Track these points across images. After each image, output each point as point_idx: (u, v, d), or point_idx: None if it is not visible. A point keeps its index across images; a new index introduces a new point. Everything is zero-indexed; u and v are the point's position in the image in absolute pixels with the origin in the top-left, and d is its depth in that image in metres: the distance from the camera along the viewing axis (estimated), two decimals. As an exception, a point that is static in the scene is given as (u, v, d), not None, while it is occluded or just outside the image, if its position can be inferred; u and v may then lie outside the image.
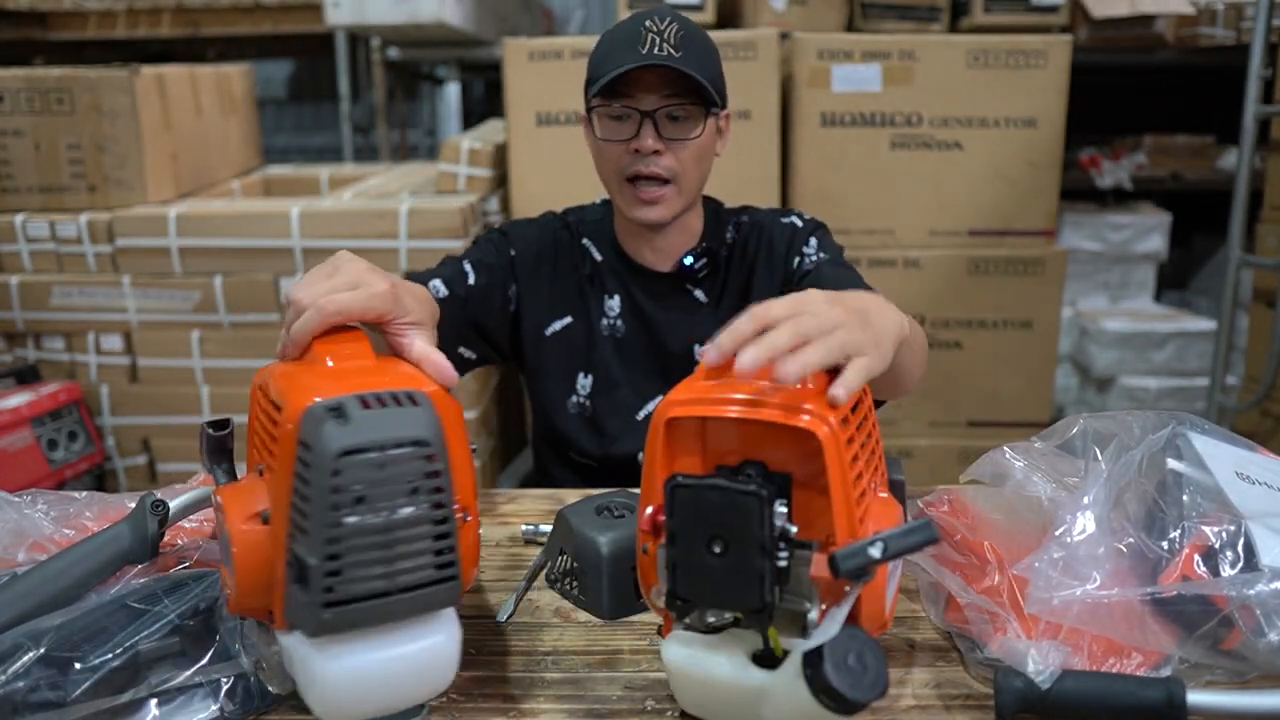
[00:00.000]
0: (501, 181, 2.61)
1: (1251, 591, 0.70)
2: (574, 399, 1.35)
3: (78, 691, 0.63)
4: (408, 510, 0.60)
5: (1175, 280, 4.00)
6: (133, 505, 0.80)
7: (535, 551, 0.96)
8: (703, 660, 0.65)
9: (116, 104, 2.34)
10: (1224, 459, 0.82)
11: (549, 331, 1.34)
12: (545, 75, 2.41)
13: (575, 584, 0.86)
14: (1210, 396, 2.57)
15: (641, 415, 1.34)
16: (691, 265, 1.30)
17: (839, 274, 1.24)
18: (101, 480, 2.42)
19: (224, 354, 2.36)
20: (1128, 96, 3.89)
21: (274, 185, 3.07)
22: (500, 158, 2.57)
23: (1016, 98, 2.39)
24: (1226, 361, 2.55)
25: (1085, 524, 0.74)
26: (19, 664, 0.63)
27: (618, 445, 1.33)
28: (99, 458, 2.38)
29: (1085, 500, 0.76)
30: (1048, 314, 2.47)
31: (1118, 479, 0.78)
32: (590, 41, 2.42)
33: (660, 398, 1.25)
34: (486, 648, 0.78)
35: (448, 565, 0.62)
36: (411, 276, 1.25)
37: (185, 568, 0.78)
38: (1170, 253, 3.44)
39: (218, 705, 0.68)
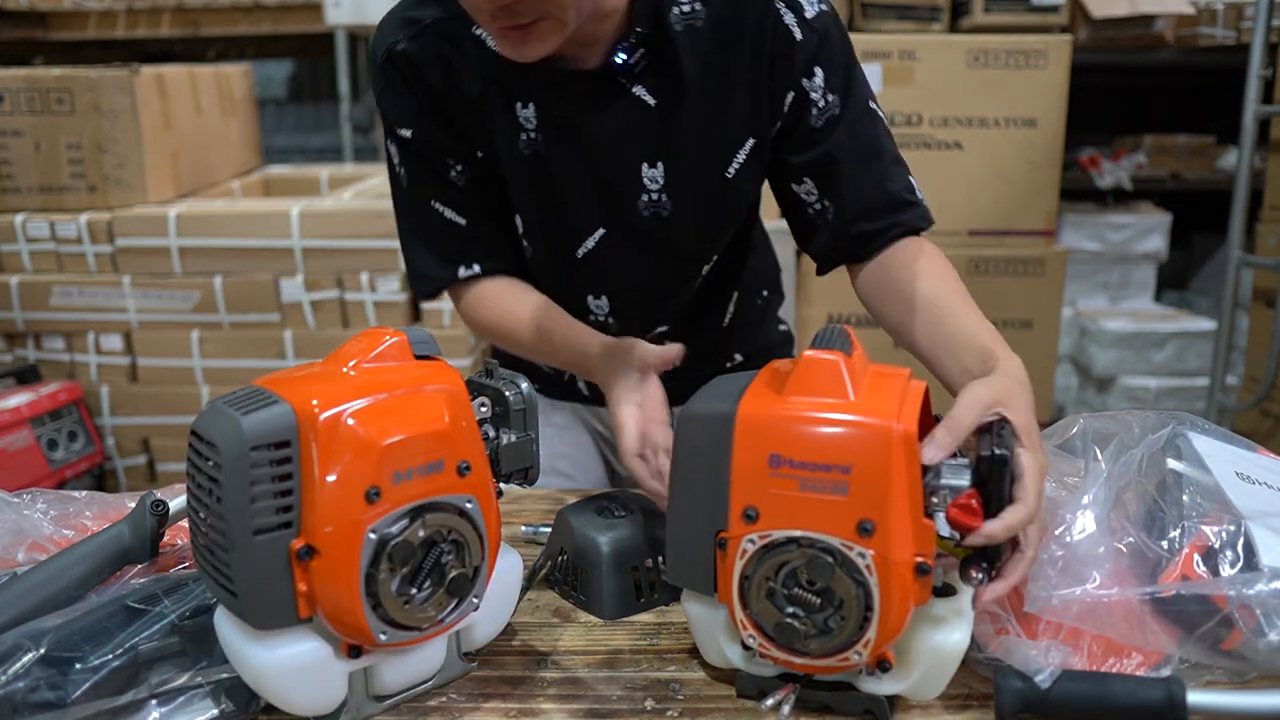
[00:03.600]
0: (501, 181, 2.61)
1: (1251, 591, 0.70)
2: (520, 234, 1.08)
3: (78, 692, 0.63)
4: (210, 504, 0.63)
5: (1175, 280, 4.00)
6: (132, 505, 0.80)
7: (535, 551, 0.96)
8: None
9: (116, 104, 2.34)
10: (1224, 459, 0.82)
11: (479, 170, 1.04)
12: (545, 75, 2.41)
13: (575, 584, 0.86)
14: (1210, 396, 2.57)
15: (581, 253, 1.05)
16: (626, 62, 0.95)
17: (857, 143, 0.97)
18: (101, 480, 2.42)
19: (224, 354, 2.36)
20: (1128, 96, 3.89)
21: (274, 185, 3.07)
22: (500, 158, 2.57)
23: (1016, 98, 2.39)
24: (1226, 361, 2.55)
25: (1085, 523, 0.74)
26: (19, 664, 0.63)
27: (558, 287, 1.08)
28: (99, 458, 2.38)
29: (1085, 500, 0.76)
30: (1048, 314, 2.47)
31: (1118, 479, 0.78)
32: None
33: (602, 231, 1.03)
34: (487, 647, 0.78)
35: (227, 581, 0.63)
36: (421, 275, 1.06)
37: (185, 568, 0.78)
38: (1170, 253, 3.43)
39: (218, 706, 0.68)
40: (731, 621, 0.68)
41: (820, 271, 1.04)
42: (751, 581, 0.66)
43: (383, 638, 0.65)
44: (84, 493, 0.89)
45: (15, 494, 0.86)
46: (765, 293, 1.22)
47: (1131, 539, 0.76)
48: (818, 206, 0.99)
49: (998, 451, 0.64)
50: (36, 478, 2.16)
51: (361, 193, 2.61)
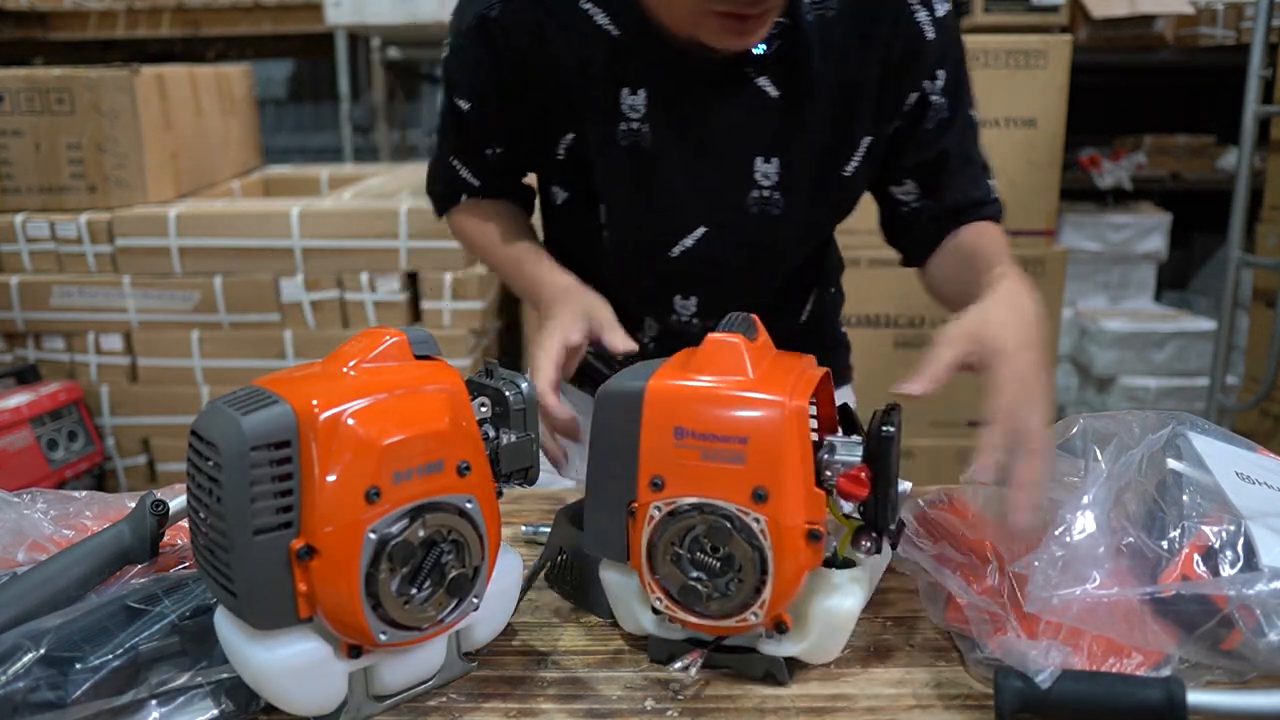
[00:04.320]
0: (501, 181, 2.61)
1: (1251, 591, 0.70)
2: (599, 224, 1.02)
3: (78, 692, 0.63)
4: (210, 504, 0.62)
5: (1175, 280, 4.00)
6: (133, 505, 0.80)
7: (535, 551, 0.96)
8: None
9: (116, 104, 2.34)
10: (1224, 459, 0.82)
11: (560, 153, 0.99)
12: (545, 75, 2.41)
13: (575, 584, 0.86)
14: (1210, 396, 2.57)
15: (677, 251, 0.99)
16: (764, 53, 0.90)
17: (960, 149, 0.99)
18: (101, 480, 2.42)
19: (224, 354, 2.36)
20: (1128, 96, 3.89)
21: (274, 185, 3.07)
22: (500, 158, 2.57)
23: (1016, 98, 2.39)
24: (1226, 361, 2.55)
25: (1085, 523, 0.74)
26: (19, 664, 0.63)
27: (641, 285, 1.04)
28: (99, 458, 2.38)
29: (1085, 500, 0.76)
30: (1048, 314, 2.47)
31: (1118, 479, 0.78)
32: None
33: (703, 229, 0.98)
34: (487, 647, 0.78)
35: (227, 581, 0.63)
36: (437, 193, 1.11)
37: (185, 568, 0.78)
38: (1170, 253, 3.44)
39: (218, 706, 0.68)
40: (643, 587, 0.73)
41: (907, 263, 1.06)
42: (658, 547, 0.71)
43: (383, 638, 0.65)
44: (84, 493, 0.89)
45: (15, 494, 0.86)
46: (832, 289, 1.20)
47: (1131, 539, 0.76)
48: (915, 205, 1.01)
49: (885, 430, 0.69)
50: (36, 478, 2.16)
51: (361, 193, 2.61)
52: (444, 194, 1.10)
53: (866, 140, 0.95)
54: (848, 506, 0.72)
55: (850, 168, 0.96)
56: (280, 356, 2.35)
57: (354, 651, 0.67)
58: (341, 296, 2.33)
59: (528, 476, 0.78)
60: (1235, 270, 2.46)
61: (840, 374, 1.22)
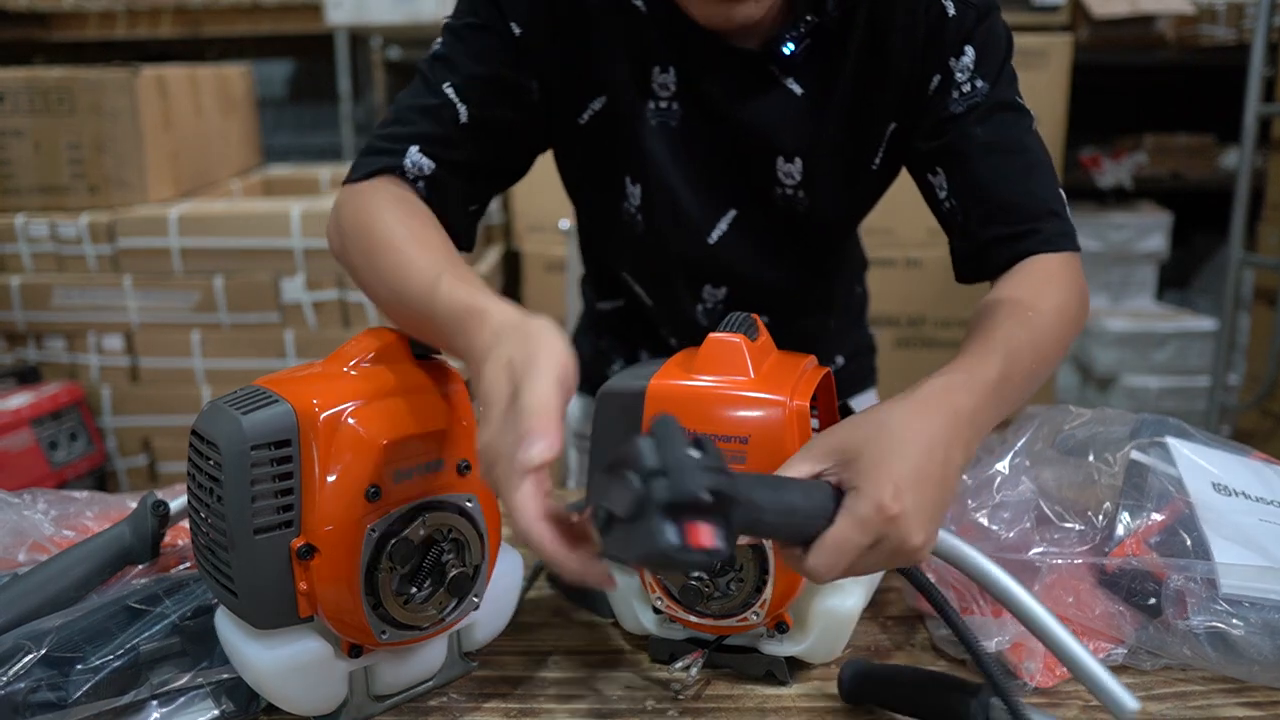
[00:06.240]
0: (502, 181, 2.61)
1: (1187, 577, 0.73)
2: (626, 205, 0.97)
3: (79, 693, 0.63)
4: (211, 504, 0.63)
5: (1176, 280, 3.99)
6: (133, 505, 0.80)
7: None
8: None
9: (116, 104, 2.34)
10: (1203, 468, 0.83)
11: (584, 118, 0.93)
12: (545, 75, 2.41)
13: (575, 584, 0.86)
14: (1211, 396, 2.57)
15: (715, 238, 0.96)
16: (794, 53, 0.88)
17: (995, 136, 0.85)
18: (102, 481, 2.42)
19: (224, 354, 2.36)
20: (1128, 96, 3.89)
21: (274, 185, 3.07)
22: (500, 158, 2.57)
23: (1017, 97, 2.39)
24: (1228, 361, 2.55)
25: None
26: (20, 665, 0.63)
27: (680, 277, 1.00)
28: (100, 458, 2.38)
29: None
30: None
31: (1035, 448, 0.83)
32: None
33: (733, 213, 0.95)
34: (487, 647, 0.78)
35: (228, 581, 0.63)
36: (372, 148, 0.92)
37: (186, 568, 0.78)
38: (1171, 252, 3.43)
39: (218, 706, 0.68)
40: (643, 587, 0.74)
41: (959, 279, 0.91)
42: None
43: (383, 637, 0.66)
44: (85, 493, 0.89)
45: (16, 494, 0.86)
46: (859, 288, 1.18)
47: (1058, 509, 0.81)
48: (949, 204, 0.87)
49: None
50: (37, 478, 2.16)
51: (362, 193, 2.60)
52: (392, 140, 0.88)
53: (891, 128, 0.91)
54: None
55: (878, 160, 0.93)
56: (280, 356, 2.35)
57: (354, 651, 0.67)
58: (342, 297, 2.33)
59: None
60: (1236, 269, 2.46)
61: (868, 376, 1.21)
